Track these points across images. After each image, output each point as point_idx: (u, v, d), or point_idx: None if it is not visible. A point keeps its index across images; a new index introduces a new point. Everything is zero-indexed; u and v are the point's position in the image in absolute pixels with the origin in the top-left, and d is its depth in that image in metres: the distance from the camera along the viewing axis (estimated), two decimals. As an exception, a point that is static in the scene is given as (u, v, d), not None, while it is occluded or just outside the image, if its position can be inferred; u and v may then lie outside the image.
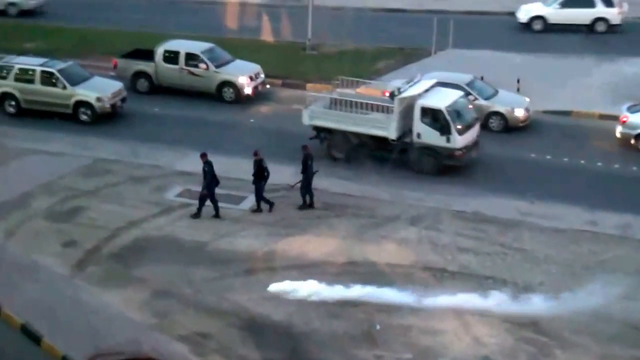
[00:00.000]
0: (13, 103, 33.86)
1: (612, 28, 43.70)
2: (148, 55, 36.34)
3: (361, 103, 29.37)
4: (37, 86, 33.49)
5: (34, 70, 33.68)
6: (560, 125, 33.04)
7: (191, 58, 35.89)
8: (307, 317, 21.09)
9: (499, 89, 32.99)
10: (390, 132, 28.44)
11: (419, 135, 28.26)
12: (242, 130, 32.39)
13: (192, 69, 35.72)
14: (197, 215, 25.94)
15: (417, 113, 28.21)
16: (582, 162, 29.71)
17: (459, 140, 27.87)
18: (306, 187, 26.53)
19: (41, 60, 34.58)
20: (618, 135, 30.58)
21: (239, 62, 36.61)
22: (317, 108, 29.96)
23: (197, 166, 26.56)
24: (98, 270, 23.39)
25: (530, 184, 28.00)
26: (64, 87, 33.15)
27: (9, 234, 25.11)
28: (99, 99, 33.00)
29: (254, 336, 20.42)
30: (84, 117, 33.07)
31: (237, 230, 25.40)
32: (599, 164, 29.55)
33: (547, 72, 37.58)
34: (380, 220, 26.03)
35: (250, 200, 26.81)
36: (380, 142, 28.89)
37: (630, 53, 40.00)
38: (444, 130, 27.83)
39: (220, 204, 26.08)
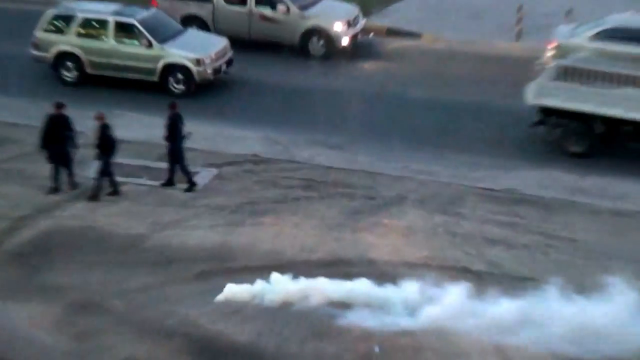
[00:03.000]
0: (74, 67, 33.00)
1: None
2: None
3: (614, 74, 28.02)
4: (110, 43, 32.71)
5: (105, 21, 32.81)
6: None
7: None
8: (282, 337, 20.79)
9: None
10: None
11: None
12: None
13: (266, 12, 35.55)
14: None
15: None
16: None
17: None
18: (178, 159, 26.54)
19: (113, 6, 33.89)
20: None
21: (329, 2, 36.56)
22: (546, 81, 28.66)
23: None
24: None
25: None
26: (149, 45, 32.42)
27: None
28: (198, 62, 32.32)
29: None
30: (176, 88, 32.38)
31: (185, 219, 25.47)
32: None
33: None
34: (380, 202, 26.30)
35: (202, 177, 27.22)
36: None
37: None
38: None
39: (157, 182, 26.68)
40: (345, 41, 35.20)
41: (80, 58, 32.74)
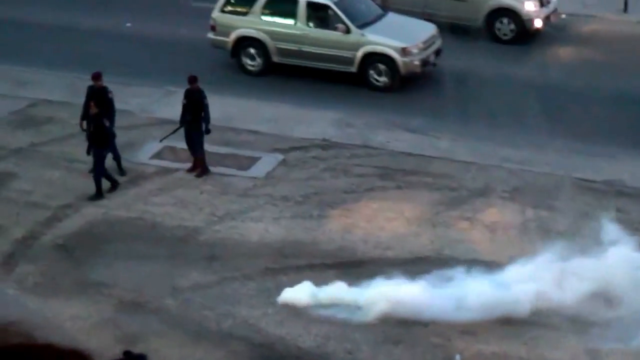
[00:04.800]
0: (258, 54, 32.07)
1: None
2: None
3: None
4: (301, 27, 31.66)
5: (295, 2, 31.53)
6: None
7: None
8: (353, 343, 21.09)
9: None
10: None
11: None
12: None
13: None
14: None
15: None
16: None
17: None
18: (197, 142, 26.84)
19: None
20: None
21: None
22: None
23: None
24: (35, 270, 23.49)
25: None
26: (347, 31, 31.15)
27: None
28: (404, 51, 30.93)
29: None
30: (378, 80, 31.22)
31: (245, 210, 25.66)
32: None
33: None
34: (465, 194, 26.38)
35: (263, 164, 27.48)
36: None
37: None
38: None
39: (220, 169, 26.90)
40: (538, 23, 33.81)
41: (265, 44, 31.80)
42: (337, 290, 22.06)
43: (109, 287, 22.77)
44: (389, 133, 28.98)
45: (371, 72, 31.07)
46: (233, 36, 31.80)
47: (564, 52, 34.24)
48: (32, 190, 26.13)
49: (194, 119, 26.51)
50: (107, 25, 34.96)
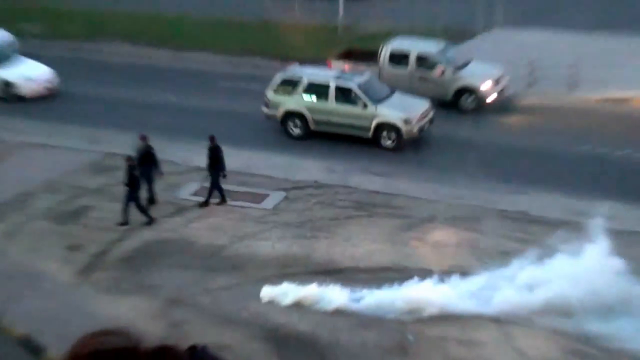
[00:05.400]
0: (300, 124, 32.00)
1: None
2: (366, 57, 35.04)
3: None
4: (331, 104, 31.33)
5: (327, 85, 31.39)
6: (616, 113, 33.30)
7: (424, 59, 34.41)
8: (335, 328, 21.23)
9: None
10: None
11: None
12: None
13: (426, 74, 34.24)
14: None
15: None
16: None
17: None
18: (216, 183, 26.92)
19: (332, 71, 32.96)
20: None
21: (477, 63, 34.96)
22: None
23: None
24: (106, 276, 23.70)
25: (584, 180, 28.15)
26: (365, 106, 30.92)
27: (8, 237, 25.52)
28: (406, 121, 30.74)
29: (277, 348, 20.60)
30: (387, 143, 30.98)
31: (258, 232, 25.73)
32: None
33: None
34: (416, 221, 26.28)
35: (271, 199, 27.45)
36: None
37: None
38: None
39: (240, 203, 26.85)
40: (491, 98, 33.67)
41: (305, 116, 31.59)
42: (307, 290, 22.24)
43: (159, 288, 22.97)
44: (362, 177, 28.97)
45: (382, 136, 30.89)
46: (282, 110, 31.69)
47: (508, 119, 33.89)
48: (104, 218, 26.21)
49: (213, 166, 26.69)
50: (158, 99, 35.10)
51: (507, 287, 22.00)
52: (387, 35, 36.81)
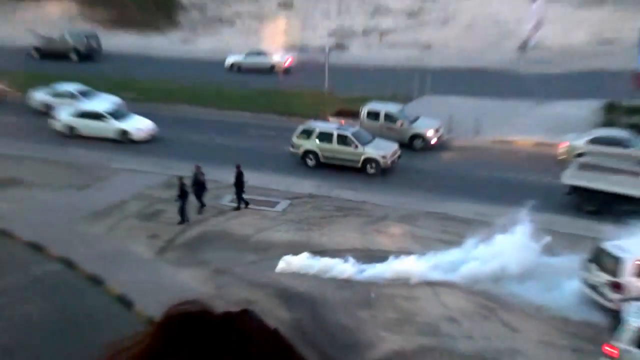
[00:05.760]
0: (314, 158, 31.11)
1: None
2: (351, 114, 34.46)
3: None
4: (334, 145, 30.68)
5: (332, 133, 30.89)
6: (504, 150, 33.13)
7: (389, 116, 33.77)
8: (324, 288, 21.18)
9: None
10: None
11: None
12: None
13: (391, 125, 33.54)
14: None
15: None
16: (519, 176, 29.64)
17: None
18: (240, 195, 26.44)
19: (334, 125, 32.32)
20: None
21: (424, 118, 34.33)
22: (574, 170, 26.52)
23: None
24: (174, 255, 23.55)
25: (484, 191, 27.93)
26: (356, 147, 30.35)
27: (110, 229, 25.38)
28: (383, 157, 30.25)
29: (285, 302, 20.47)
30: (370, 171, 30.33)
31: (272, 226, 25.55)
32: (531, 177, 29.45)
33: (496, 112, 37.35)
34: (376, 219, 26.13)
35: (281, 205, 27.19)
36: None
37: None
38: None
39: (260, 207, 26.55)
40: (433, 141, 33.30)
41: (317, 153, 30.95)
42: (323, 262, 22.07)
43: (208, 263, 22.81)
44: (341, 190, 28.63)
45: (368, 166, 30.37)
46: (302, 149, 31.28)
47: (444, 155, 33.10)
48: (172, 217, 25.90)
49: (238, 184, 26.53)
50: (208, 140, 34.33)
51: (468, 261, 21.59)
52: (360, 99, 36.55)
